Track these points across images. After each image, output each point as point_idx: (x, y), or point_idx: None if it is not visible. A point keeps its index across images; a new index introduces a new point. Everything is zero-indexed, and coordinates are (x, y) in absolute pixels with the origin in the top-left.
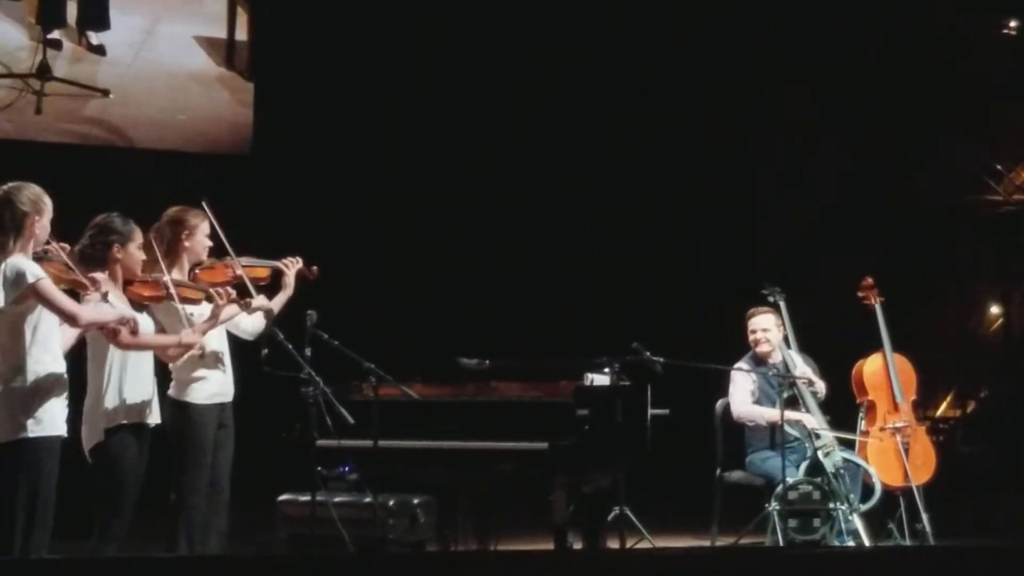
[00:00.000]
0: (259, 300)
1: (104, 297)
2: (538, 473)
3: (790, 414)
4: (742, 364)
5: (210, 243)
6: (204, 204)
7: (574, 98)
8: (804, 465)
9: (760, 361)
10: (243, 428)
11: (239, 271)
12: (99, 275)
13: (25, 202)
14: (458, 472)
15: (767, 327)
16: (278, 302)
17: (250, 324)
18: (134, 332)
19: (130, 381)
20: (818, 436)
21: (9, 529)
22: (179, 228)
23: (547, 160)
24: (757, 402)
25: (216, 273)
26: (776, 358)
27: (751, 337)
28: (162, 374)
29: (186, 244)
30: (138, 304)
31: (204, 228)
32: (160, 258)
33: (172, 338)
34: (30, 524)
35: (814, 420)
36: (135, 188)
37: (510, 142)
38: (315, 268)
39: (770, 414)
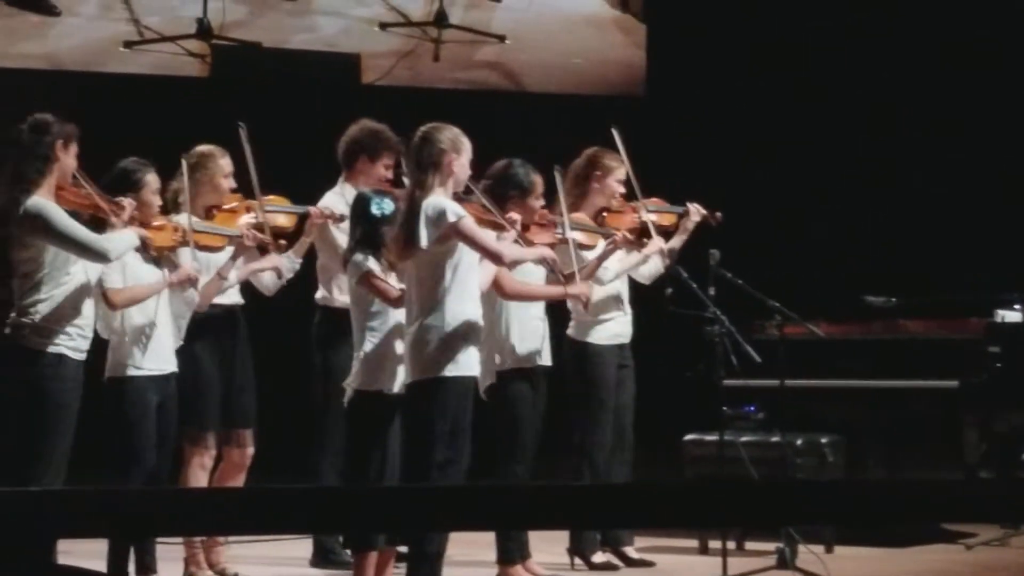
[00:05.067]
0: (655, 243)
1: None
2: (948, 411)
3: None
4: None
5: (623, 188)
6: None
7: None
8: None
9: None
10: (647, 368)
11: (644, 217)
12: (514, 215)
13: (443, 140)
14: (866, 411)
15: None
16: (674, 245)
17: (648, 269)
18: (553, 269)
19: (520, 326)
20: None
21: (425, 459)
22: (592, 169)
23: (961, 86)
24: None
25: (622, 218)
26: None
27: None
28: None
29: (595, 185)
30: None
31: (619, 173)
32: (561, 199)
33: (556, 290)
34: (448, 458)
35: None
36: (531, 132)
37: (915, 72)
38: (719, 214)
39: None
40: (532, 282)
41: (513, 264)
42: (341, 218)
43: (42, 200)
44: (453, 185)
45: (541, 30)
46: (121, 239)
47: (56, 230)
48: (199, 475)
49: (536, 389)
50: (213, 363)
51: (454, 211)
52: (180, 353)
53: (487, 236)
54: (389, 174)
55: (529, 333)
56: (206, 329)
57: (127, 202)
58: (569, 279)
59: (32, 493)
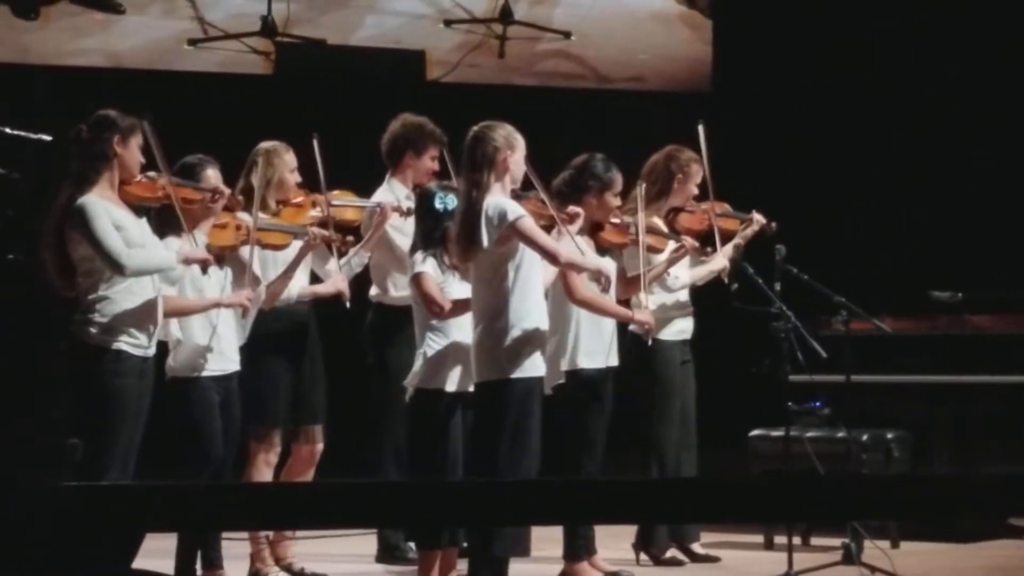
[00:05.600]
0: (719, 260)
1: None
2: (1015, 406)
3: None
4: None
5: (697, 191)
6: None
7: None
8: None
9: None
10: (713, 364)
11: (712, 222)
12: (574, 208)
13: (497, 138)
14: (932, 406)
15: None
16: (728, 249)
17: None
18: (605, 288)
19: (591, 326)
20: None
21: (491, 460)
22: (675, 169)
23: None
24: None
25: (693, 219)
26: None
27: None
28: None
29: (676, 186)
30: (603, 249)
31: (699, 177)
32: (639, 199)
33: (624, 312)
34: (516, 460)
35: None
36: (597, 128)
37: (985, 69)
38: (774, 224)
39: None
40: (603, 296)
41: (568, 266)
42: (409, 212)
43: (91, 199)
44: (510, 182)
45: (606, 26)
46: (150, 259)
47: (88, 231)
48: (264, 471)
49: (604, 389)
50: (282, 360)
51: (514, 211)
52: (248, 350)
53: (544, 237)
54: (436, 165)
55: (599, 333)
56: (275, 326)
57: (223, 188)
58: (634, 283)
59: (101, 488)
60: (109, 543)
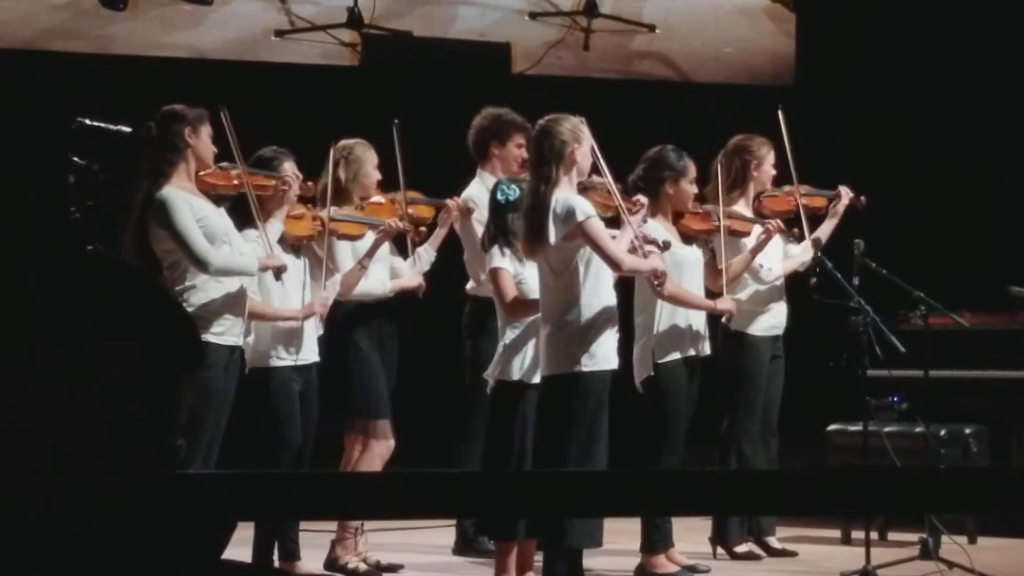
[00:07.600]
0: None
1: (644, 219)
2: None
3: None
4: None
5: (775, 172)
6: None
7: None
8: None
9: None
10: (791, 358)
11: (800, 201)
12: (641, 198)
13: (564, 132)
14: (1011, 401)
15: None
16: (825, 230)
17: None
18: (660, 284)
19: (680, 316)
20: None
21: (562, 455)
22: (748, 158)
23: None
24: None
25: (778, 201)
26: None
27: None
28: None
29: (754, 174)
30: (689, 238)
31: (772, 158)
32: (720, 189)
33: (707, 303)
34: (591, 453)
35: None
36: (681, 121)
37: None
38: (863, 198)
39: None
40: (687, 289)
41: (632, 271)
42: (469, 211)
43: (170, 192)
44: (576, 175)
45: (691, 19)
46: (233, 261)
47: (172, 225)
48: (376, 464)
49: (692, 380)
50: (379, 354)
51: (583, 210)
52: (341, 343)
53: (608, 241)
54: (524, 153)
55: (689, 323)
56: (365, 320)
57: (294, 175)
58: (717, 276)
59: (190, 477)
60: (200, 532)
